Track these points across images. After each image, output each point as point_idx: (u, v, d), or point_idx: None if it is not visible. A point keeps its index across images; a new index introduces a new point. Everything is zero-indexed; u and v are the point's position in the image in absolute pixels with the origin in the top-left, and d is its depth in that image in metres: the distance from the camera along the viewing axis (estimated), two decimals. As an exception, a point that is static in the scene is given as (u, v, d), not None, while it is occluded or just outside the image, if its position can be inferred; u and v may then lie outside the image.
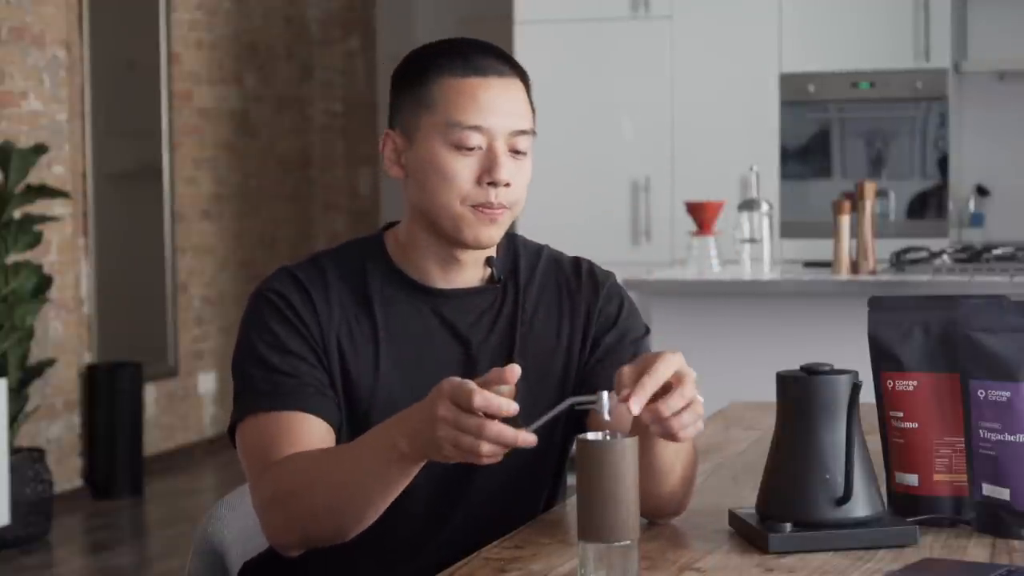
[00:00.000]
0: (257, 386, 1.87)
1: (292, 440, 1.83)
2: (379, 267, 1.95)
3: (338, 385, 1.89)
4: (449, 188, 1.87)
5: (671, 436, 1.67)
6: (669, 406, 1.64)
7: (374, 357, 1.91)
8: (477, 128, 1.86)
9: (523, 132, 1.89)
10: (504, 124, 1.88)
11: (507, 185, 1.87)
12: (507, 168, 1.87)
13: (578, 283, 2.00)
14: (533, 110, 1.96)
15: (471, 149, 1.87)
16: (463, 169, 1.87)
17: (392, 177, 1.94)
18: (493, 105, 1.87)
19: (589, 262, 2.04)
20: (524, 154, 1.90)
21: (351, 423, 1.90)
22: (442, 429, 1.61)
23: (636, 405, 1.62)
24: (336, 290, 1.92)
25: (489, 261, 1.96)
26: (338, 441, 1.88)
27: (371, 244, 1.98)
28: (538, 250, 2.04)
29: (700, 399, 1.67)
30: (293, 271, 1.94)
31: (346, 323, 1.91)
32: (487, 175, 1.86)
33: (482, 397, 1.58)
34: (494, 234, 1.90)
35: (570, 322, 1.98)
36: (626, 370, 1.66)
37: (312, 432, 1.84)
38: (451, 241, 1.90)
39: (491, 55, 1.91)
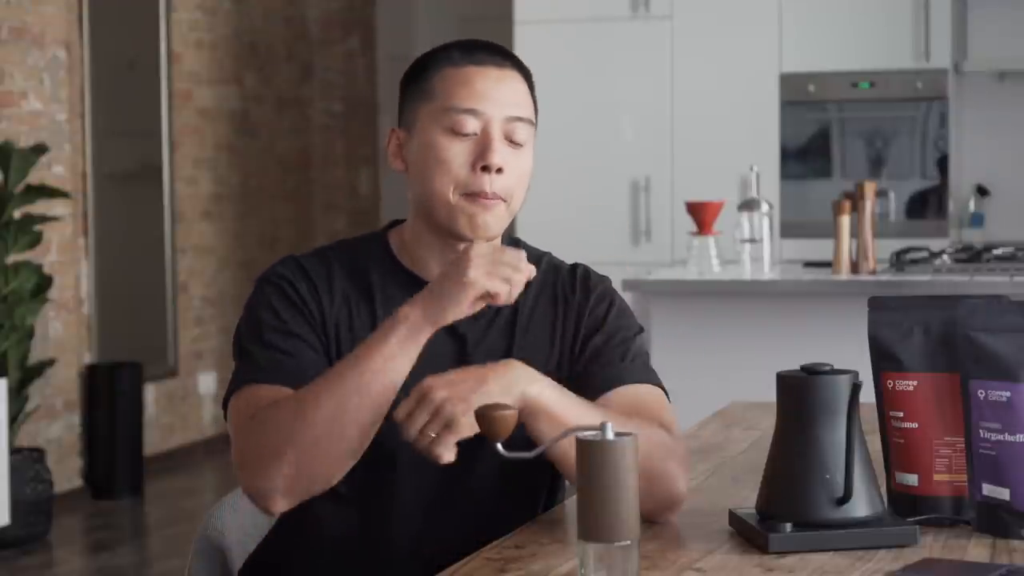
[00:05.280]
0: (257, 361, 1.88)
1: None
2: (382, 262, 1.97)
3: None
4: (444, 173, 1.89)
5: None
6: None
7: None
8: (472, 112, 1.89)
9: (519, 119, 1.91)
10: (499, 110, 1.89)
11: (500, 171, 1.88)
12: (500, 153, 1.88)
13: (572, 286, 2.01)
14: (536, 107, 1.97)
15: (466, 135, 1.89)
16: (458, 155, 1.88)
17: (394, 170, 1.97)
18: (489, 91, 1.90)
19: (585, 267, 2.05)
20: (522, 145, 1.91)
21: None
22: (478, 261, 1.74)
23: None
24: (339, 281, 1.94)
25: None
26: None
27: (375, 240, 2.00)
28: (539, 256, 2.04)
29: (429, 411, 1.71)
30: (299, 259, 1.96)
31: (347, 313, 1.93)
32: (480, 159, 1.88)
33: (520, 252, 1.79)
34: (489, 221, 1.90)
35: (562, 325, 1.98)
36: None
37: None
38: (448, 233, 1.91)
39: (492, 50, 1.94)
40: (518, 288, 1.76)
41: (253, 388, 1.86)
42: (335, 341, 1.91)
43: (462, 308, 1.76)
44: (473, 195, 1.88)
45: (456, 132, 1.89)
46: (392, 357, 1.77)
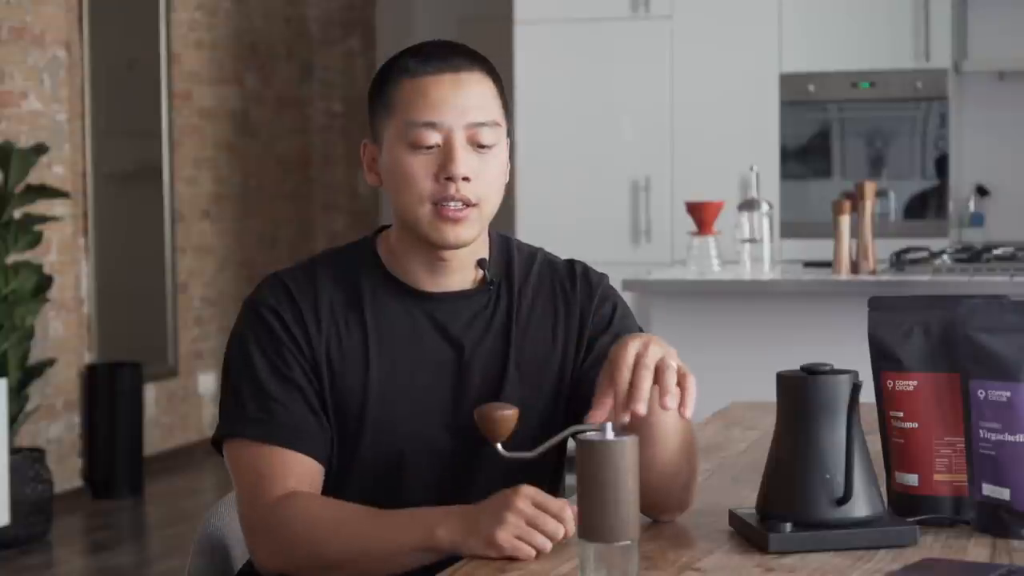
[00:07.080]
0: (250, 410, 1.87)
1: (288, 477, 1.85)
2: (372, 271, 1.95)
3: (327, 396, 1.90)
4: (411, 189, 1.87)
5: (681, 414, 1.70)
6: (668, 399, 1.67)
7: (364, 363, 1.90)
8: (430, 124, 1.86)
9: (482, 124, 1.88)
10: (459, 118, 1.87)
11: (466, 179, 1.86)
12: (464, 161, 1.86)
13: (572, 285, 1.99)
14: (506, 106, 1.94)
15: (429, 147, 1.86)
16: (421, 168, 1.86)
17: (370, 184, 1.96)
18: (445, 100, 1.86)
19: (583, 264, 2.04)
20: (489, 147, 1.88)
21: (343, 430, 1.90)
22: (513, 521, 1.67)
23: (643, 407, 1.66)
24: (327, 298, 1.92)
25: (481, 263, 1.95)
26: (329, 453, 1.88)
27: (364, 248, 1.98)
28: (533, 253, 2.03)
29: (678, 368, 1.70)
30: (284, 280, 1.93)
31: (335, 332, 1.91)
32: (443, 171, 1.86)
33: (566, 508, 1.68)
34: (461, 233, 1.88)
35: (565, 324, 1.97)
36: (607, 381, 1.68)
37: (304, 472, 1.86)
38: (425, 243, 1.90)
39: (449, 53, 1.90)
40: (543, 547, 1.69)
41: (251, 446, 1.86)
42: (326, 363, 1.90)
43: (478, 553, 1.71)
44: (442, 205, 1.86)
45: (418, 146, 1.86)
46: (411, 562, 1.77)
